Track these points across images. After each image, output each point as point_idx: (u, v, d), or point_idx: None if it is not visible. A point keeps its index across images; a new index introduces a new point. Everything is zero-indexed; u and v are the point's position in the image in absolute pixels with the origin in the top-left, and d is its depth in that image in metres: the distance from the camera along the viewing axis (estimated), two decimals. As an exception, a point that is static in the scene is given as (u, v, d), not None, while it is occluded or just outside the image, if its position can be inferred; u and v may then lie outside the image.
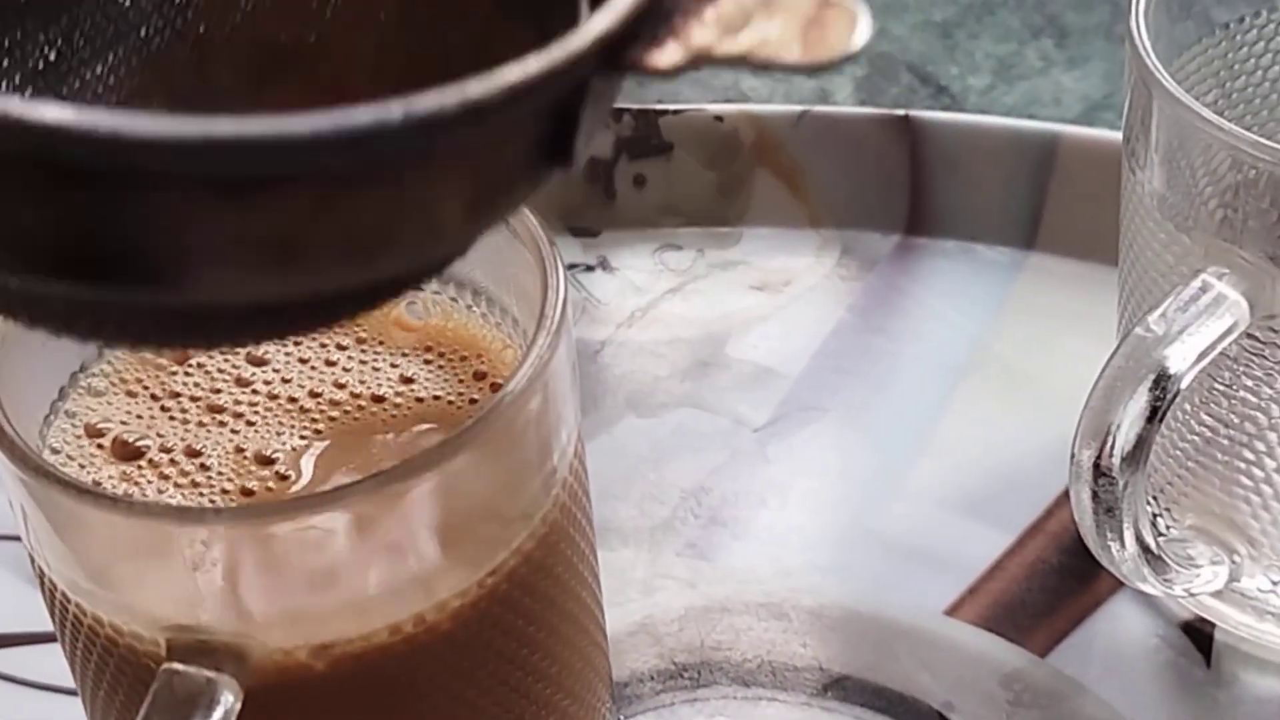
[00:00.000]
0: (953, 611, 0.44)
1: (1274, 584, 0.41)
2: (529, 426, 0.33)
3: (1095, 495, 0.36)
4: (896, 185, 0.54)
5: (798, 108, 0.54)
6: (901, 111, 0.54)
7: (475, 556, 0.32)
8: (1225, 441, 0.40)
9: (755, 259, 0.54)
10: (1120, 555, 0.38)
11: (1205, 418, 0.40)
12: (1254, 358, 0.38)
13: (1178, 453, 0.41)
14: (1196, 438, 0.40)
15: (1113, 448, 0.36)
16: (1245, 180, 0.37)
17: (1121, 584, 0.42)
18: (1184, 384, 0.36)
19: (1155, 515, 0.43)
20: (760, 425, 0.49)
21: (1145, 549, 0.38)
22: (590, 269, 0.54)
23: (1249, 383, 0.39)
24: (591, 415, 0.49)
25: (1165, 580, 0.39)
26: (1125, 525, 0.37)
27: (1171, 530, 0.42)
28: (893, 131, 0.54)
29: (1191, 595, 0.41)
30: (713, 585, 0.45)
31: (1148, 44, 0.38)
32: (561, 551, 0.35)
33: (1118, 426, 0.36)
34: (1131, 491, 0.36)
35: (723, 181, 0.55)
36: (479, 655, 0.34)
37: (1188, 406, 0.40)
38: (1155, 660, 0.43)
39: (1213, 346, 0.36)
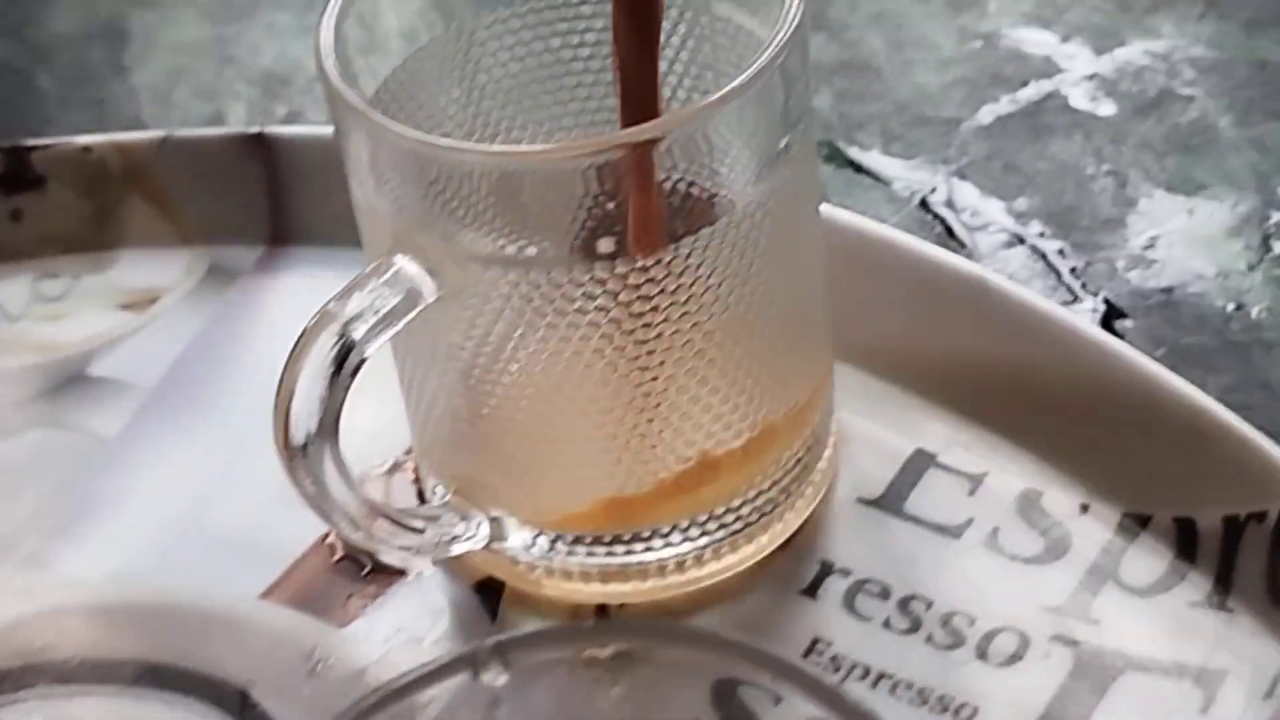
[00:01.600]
0: (267, 595, 0.47)
1: (534, 539, 0.44)
2: None
3: (297, 470, 0.39)
4: (257, 199, 0.56)
5: (160, 133, 0.57)
6: (256, 129, 0.56)
7: None
8: (473, 414, 0.43)
9: (127, 280, 0.56)
10: (344, 526, 0.40)
11: (449, 393, 0.43)
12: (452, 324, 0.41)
13: (433, 427, 0.44)
14: (443, 408, 0.43)
15: (301, 420, 0.39)
16: (414, 173, 0.40)
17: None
18: (367, 352, 0.39)
19: (436, 486, 0.46)
20: (112, 437, 0.51)
21: (368, 517, 0.41)
22: (-33, 304, 0.55)
23: (465, 355, 0.42)
24: (-53, 444, 0.51)
25: (406, 548, 0.42)
26: (333, 496, 0.40)
27: (447, 499, 0.45)
28: (249, 149, 0.56)
29: (450, 557, 0.44)
30: (47, 593, 0.47)
31: (327, 60, 0.41)
32: None
33: (304, 399, 0.39)
34: (331, 462, 0.39)
35: (96, 209, 0.57)
36: None
37: (431, 384, 0.43)
38: (445, 619, 0.46)
39: (395, 314, 0.39)
